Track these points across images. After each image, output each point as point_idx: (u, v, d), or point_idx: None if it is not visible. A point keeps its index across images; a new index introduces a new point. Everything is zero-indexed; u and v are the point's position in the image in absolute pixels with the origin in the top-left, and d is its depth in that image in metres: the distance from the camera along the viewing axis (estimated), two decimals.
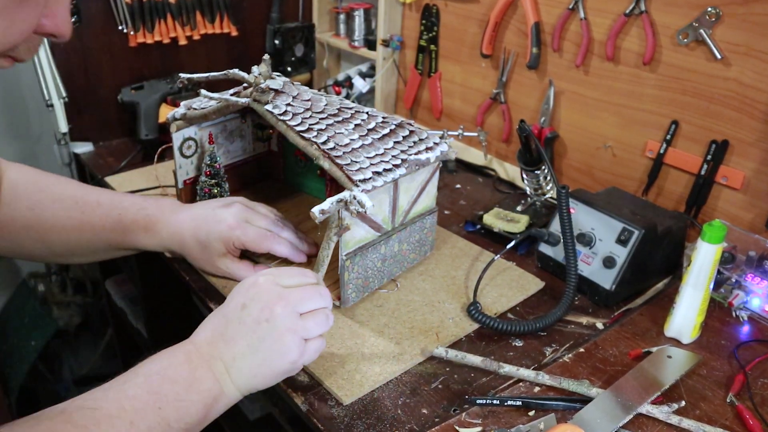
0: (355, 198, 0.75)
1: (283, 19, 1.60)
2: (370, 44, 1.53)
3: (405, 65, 1.49)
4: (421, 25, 1.40)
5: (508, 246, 0.96)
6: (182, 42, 1.46)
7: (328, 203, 0.75)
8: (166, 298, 1.40)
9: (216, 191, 1.02)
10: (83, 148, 1.41)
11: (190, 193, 1.05)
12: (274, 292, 0.67)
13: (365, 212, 0.75)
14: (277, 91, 0.89)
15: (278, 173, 1.19)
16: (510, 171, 1.31)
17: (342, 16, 1.60)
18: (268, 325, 0.65)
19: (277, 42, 1.54)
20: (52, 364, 1.89)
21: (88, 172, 1.38)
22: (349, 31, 1.58)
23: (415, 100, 1.49)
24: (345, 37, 1.60)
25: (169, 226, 0.90)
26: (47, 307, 1.84)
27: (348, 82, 1.60)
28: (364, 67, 1.62)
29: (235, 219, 0.87)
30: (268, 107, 0.86)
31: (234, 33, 1.53)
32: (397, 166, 0.84)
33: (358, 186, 0.77)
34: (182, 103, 0.98)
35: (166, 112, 1.38)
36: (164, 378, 0.62)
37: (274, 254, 0.90)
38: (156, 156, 1.19)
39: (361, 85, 1.57)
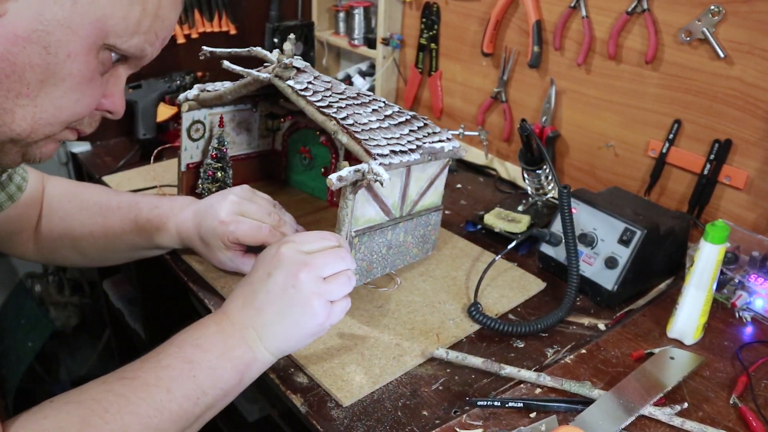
0: (372, 170, 0.75)
1: (282, 18, 1.59)
2: (370, 43, 1.52)
3: (405, 64, 1.48)
4: (421, 23, 1.39)
5: (509, 246, 0.95)
6: (180, 40, 1.45)
7: (346, 171, 0.75)
8: (164, 299, 1.40)
9: (220, 175, 1.02)
10: (80, 147, 1.41)
11: (192, 177, 1.05)
12: (297, 259, 0.68)
13: (382, 183, 0.75)
14: (299, 70, 0.90)
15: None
16: (511, 170, 1.30)
17: (341, 15, 1.59)
18: (294, 291, 0.67)
19: (276, 40, 1.53)
20: (49, 366, 1.88)
21: (85, 172, 1.37)
22: (348, 29, 1.57)
23: (415, 99, 1.49)
24: (344, 36, 1.60)
25: (177, 224, 0.90)
26: (44, 307, 1.82)
27: (348, 81, 1.60)
28: (363, 66, 1.61)
29: (227, 214, 0.86)
30: (290, 83, 0.87)
31: (233, 31, 1.53)
32: (412, 150, 0.85)
33: (375, 159, 0.78)
34: (196, 85, 0.99)
35: (164, 112, 1.37)
36: (197, 347, 0.65)
37: None
38: (153, 156, 1.18)
39: (360, 83, 1.56)
